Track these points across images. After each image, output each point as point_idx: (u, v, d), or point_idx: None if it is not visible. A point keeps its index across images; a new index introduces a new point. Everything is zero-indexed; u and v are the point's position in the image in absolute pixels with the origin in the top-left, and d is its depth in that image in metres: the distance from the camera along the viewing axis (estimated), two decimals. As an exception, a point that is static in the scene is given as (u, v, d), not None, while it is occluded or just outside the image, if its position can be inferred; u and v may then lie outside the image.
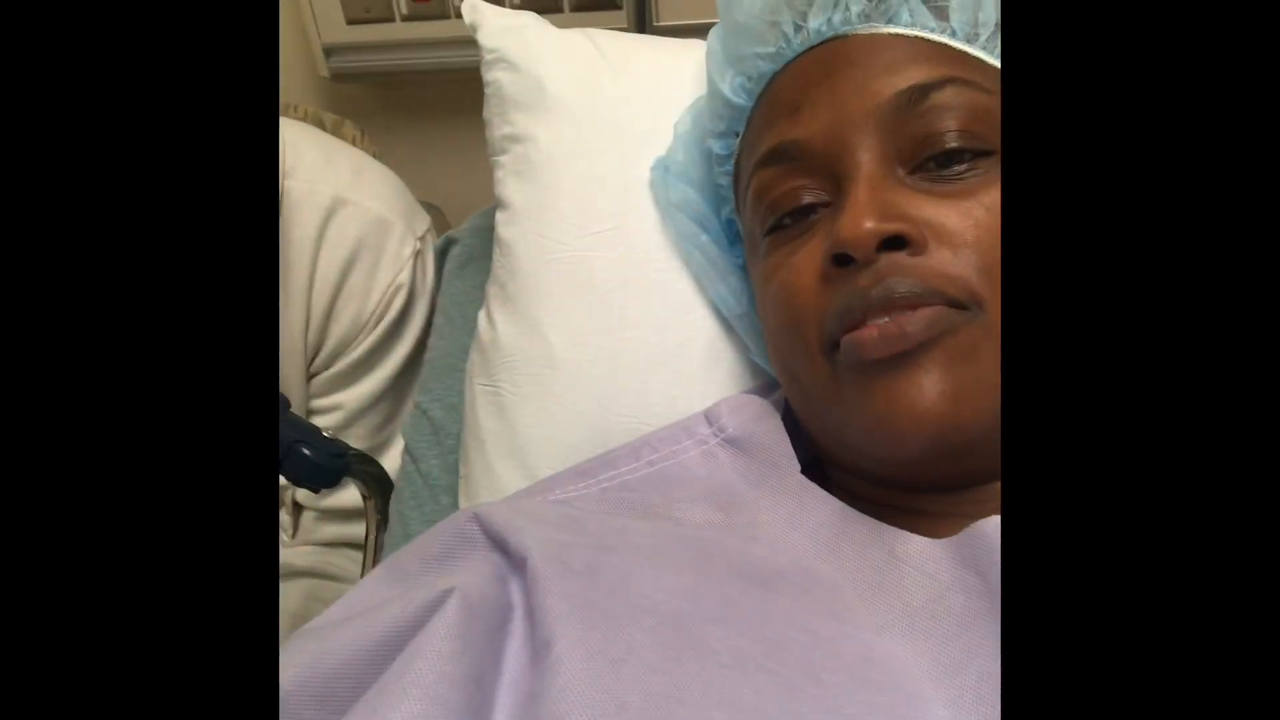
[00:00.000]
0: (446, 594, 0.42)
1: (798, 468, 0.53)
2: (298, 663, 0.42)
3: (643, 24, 1.11)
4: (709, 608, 0.43)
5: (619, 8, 1.16)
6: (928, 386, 0.44)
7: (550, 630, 0.40)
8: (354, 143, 1.09)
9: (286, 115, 1.06)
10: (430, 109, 1.38)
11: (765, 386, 0.62)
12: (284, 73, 1.43)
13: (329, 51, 1.34)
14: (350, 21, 1.31)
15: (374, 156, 1.08)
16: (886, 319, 0.45)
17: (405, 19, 1.30)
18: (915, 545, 0.46)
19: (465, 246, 0.80)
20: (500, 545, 0.46)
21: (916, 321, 0.44)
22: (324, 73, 1.37)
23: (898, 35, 0.50)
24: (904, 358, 0.45)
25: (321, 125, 1.09)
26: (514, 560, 0.45)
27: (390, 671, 0.40)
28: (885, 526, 0.48)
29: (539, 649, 0.41)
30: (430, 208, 1.35)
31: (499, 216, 0.69)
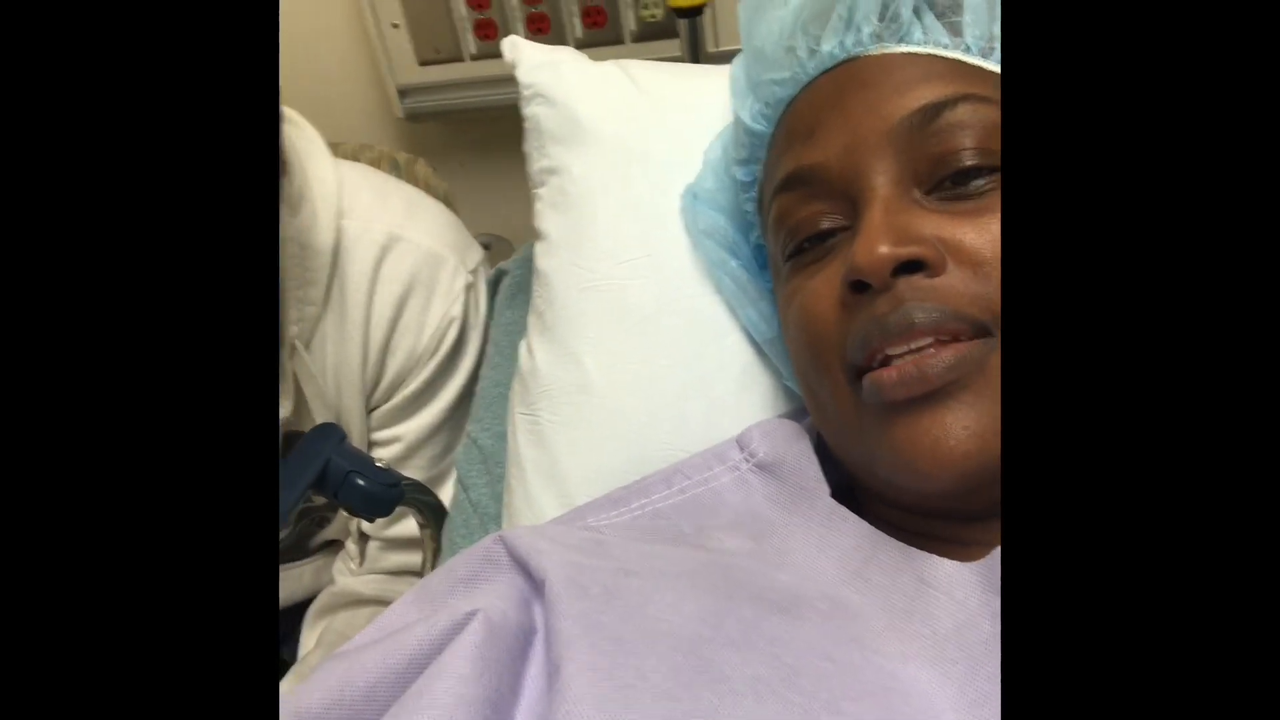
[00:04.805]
0: (470, 616, 0.43)
1: (828, 491, 0.53)
2: (326, 685, 0.43)
3: (696, 50, 1.12)
4: (728, 634, 0.43)
5: (676, 36, 1.17)
6: (952, 425, 0.44)
7: (560, 653, 0.41)
8: (425, 180, 1.12)
9: (362, 156, 1.10)
10: (499, 144, 1.42)
11: (800, 411, 0.61)
12: (361, 115, 1.49)
13: (403, 93, 1.39)
14: (422, 63, 1.36)
15: (444, 192, 1.11)
16: (906, 350, 0.44)
17: (474, 58, 1.34)
18: (945, 570, 0.45)
19: (515, 277, 0.81)
20: (524, 568, 0.47)
21: (937, 364, 0.44)
22: (399, 114, 1.42)
23: (911, 54, 0.50)
24: (927, 398, 0.44)
25: (396, 164, 1.12)
26: (535, 583, 0.46)
27: (410, 692, 0.41)
28: (915, 552, 0.47)
29: (551, 672, 0.41)
30: (500, 240, 1.38)
31: (537, 248, 0.71)
